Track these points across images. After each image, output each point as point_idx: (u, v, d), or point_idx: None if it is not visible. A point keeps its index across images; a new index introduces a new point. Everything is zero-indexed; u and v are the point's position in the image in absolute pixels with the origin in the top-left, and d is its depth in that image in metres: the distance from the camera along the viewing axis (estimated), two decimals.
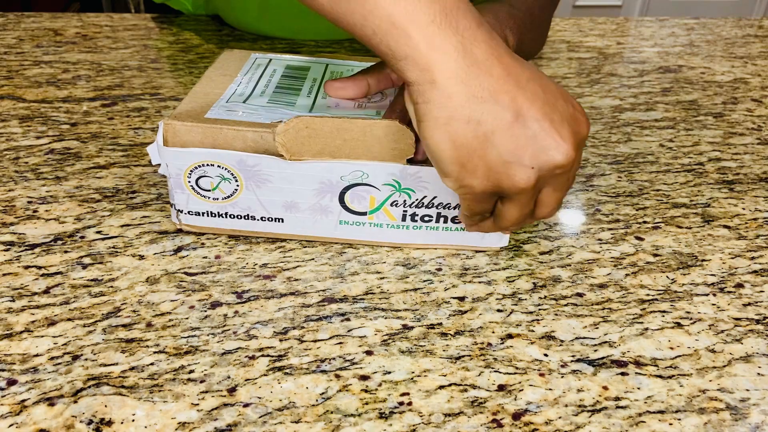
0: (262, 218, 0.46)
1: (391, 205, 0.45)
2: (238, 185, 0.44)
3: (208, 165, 0.43)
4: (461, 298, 0.43)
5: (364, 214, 0.45)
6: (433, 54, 0.33)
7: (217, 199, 0.45)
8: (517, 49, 0.54)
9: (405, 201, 0.44)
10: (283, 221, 0.46)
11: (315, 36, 0.88)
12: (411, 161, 0.43)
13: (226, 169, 0.43)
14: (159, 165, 0.44)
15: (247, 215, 0.46)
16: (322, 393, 0.35)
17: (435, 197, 0.44)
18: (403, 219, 0.46)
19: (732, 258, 0.49)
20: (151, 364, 0.37)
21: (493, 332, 0.40)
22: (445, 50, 0.33)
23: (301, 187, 0.44)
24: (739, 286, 0.46)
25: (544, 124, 0.35)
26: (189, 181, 0.44)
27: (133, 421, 0.33)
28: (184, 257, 0.46)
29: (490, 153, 0.35)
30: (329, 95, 0.47)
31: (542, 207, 0.40)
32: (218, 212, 0.46)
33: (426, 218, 0.45)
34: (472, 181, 0.37)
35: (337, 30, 0.86)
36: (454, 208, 0.45)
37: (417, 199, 0.44)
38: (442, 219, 0.45)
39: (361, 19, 0.34)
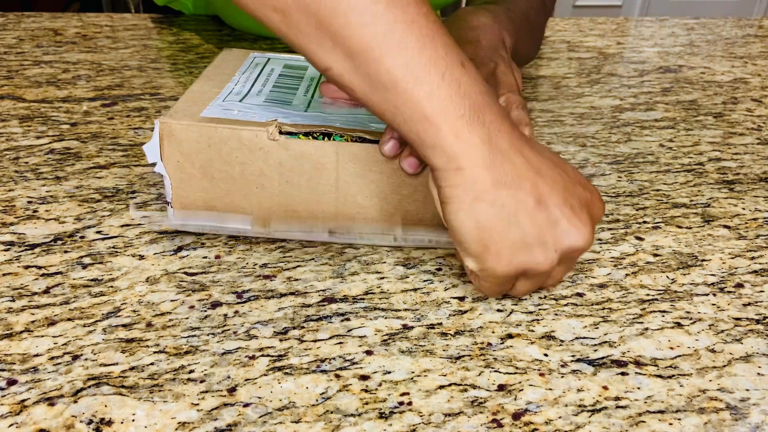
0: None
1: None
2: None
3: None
4: (461, 298, 0.43)
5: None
6: (461, 144, 0.35)
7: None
8: (513, 52, 0.54)
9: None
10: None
11: None
12: None
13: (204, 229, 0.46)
14: (155, 164, 0.44)
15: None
16: (322, 393, 0.35)
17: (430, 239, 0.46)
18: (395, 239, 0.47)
19: (732, 258, 0.49)
20: (151, 364, 0.37)
21: (493, 332, 0.40)
22: (473, 141, 0.35)
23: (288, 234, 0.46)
24: (739, 286, 0.46)
25: (565, 210, 0.37)
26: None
27: (133, 421, 0.33)
28: (184, 257, 0.46)
29: (514, 235, 0.36)
30: (325, 95, 0.47)
31: (550, 280, 0.41)
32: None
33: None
34: (494, 264, 0.37)
35: None
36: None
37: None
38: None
39: (393, 109, 0.35)
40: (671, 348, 0.40)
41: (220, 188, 0.44)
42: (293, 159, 0.43)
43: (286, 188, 0.44)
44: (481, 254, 0.37)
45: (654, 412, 0.35)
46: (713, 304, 0.44)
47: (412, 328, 0.40)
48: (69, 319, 0.40)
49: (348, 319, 0.41)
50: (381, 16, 0.33)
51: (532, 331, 0.41)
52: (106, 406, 0.34)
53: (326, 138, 0.43)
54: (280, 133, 0.42)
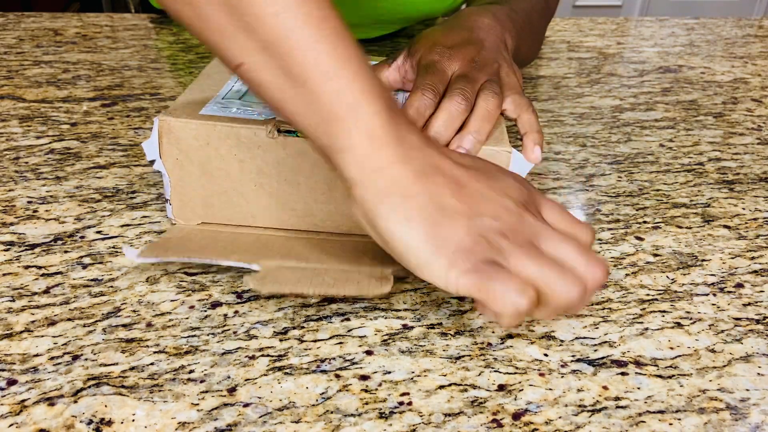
0: None
1: None
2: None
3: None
4: (461, 298, 0.43)
5: None
6: (375, 143, 0.34)
7: None
8: (515, 53, 0.54)
9: None
10: None
11: None
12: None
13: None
14: (154, 161, 0.44)
15: None
16: (322, 393, 0.35)
17: None
18: None
19: (732, 258, 0.49)
20: (151, 364, 0.37)
21: (493, 332, 0.40)
22: (386, 140, 0.34)
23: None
24: (739, 286, 0.46)
25: (484, 187, 0.36)
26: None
27: (133, 421, 0.33)
28: None
29: (455, 215, 0.34)
30: None
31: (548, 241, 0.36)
32: None
33: None
34: (453, 265, 0.33)
35: None
36: None
37: None
38: None
39: (304, 109, 0.34)
40: (671, 348, 0.40)
41: (219, 186, 0.44)
42: (291, 157, 0.43)
43: (284, 186, 0.44)
44: (434, 250, 0.33)
45: (654, 412, 0.35)
46: (713, 304, 0.44)
47: (412, 328, 0.40)
48: (69, 319, 0.40)
49: (348, 319, 0.41)
50: (295, 8, 0.33)
51: (532, 331, 0.41)
52: (106, 406, 0.34)
53: None
54: (279, 131, 0.43)
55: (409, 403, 0.35)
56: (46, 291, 0.42)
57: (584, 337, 0.40)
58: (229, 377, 0.36)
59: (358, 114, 0.33)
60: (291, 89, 0.34)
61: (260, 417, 0.34)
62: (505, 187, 0.37)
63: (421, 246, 0.34)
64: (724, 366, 0.39)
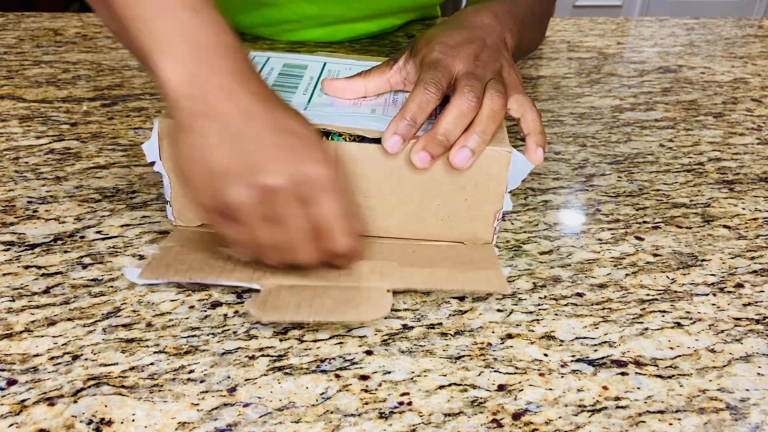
0: None
1: None
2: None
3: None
4: (461, 298, 0.43)
5: None
6: (168, 74, 0.36)
7: None
8: (517, 49, 0.54)
9: None
10: None
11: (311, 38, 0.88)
12: None
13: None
14: (154, 162, 0.44)
15: None
16: (322, 393, 0.35)
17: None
18: None
19: (732, 258, 0.49)
20: (151, 364, 0.37)
21: (493, 332, 0.40)
22: (177, 75, 0.36)
23: None
24: (739, 286, 0.46)
25: (264, 148, 0.36)
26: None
27: (133, 421, 0.33)
28: None
29: (209, 165, 0.36)
30: (326, 92, 0.47)
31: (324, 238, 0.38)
32: None
33: None
34: (198, 196, 0.37)
35: (333, 33, 0.86)
36: None
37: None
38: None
39: (134, 38, 0.37)
40: (671, 348, 0.40)
41: None
42: None
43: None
44: (187, 187, 0.37)
45: (654, 412, 0.35)
46: (713, 304, 0.44)
47: (412, 328, 0.40)
48: (69, 319, 0.40)
49: None
50: None
51: (532, 331, 0.41)
52: (106, 406, 0.34)
53: (325, 137, 0.43)
54: None
55: (409, 403, 0.35)
56: (46, 291, 0.42)
57: (584, 337, 0.40)
58: (229, 377, 0.36)
59: (162, 51, 0.36)
60: (127, 22, 0.37)
61: (260, 417, 0.34)
62: (280, 153, 0.36)
63: (181, 178, 0.38)
64: (724, 366, 0.39)
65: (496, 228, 0.46)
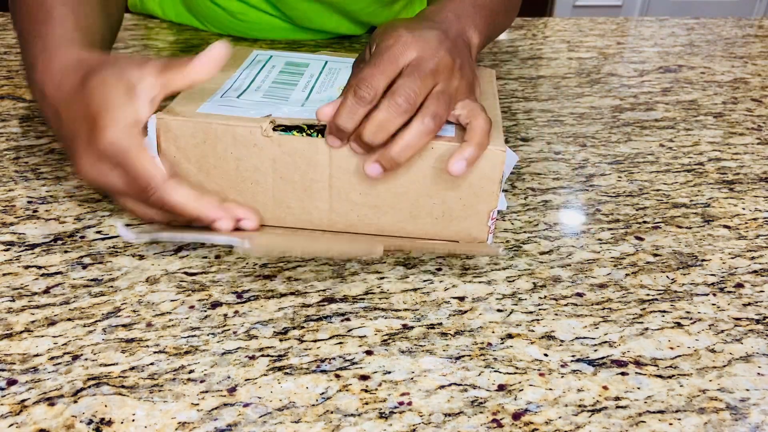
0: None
1: None
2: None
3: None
4: (461, 298, 0.43)
5: None
6: (41, 76, 0.46)
7: None
8: (485, 40, 0.53)
9: None
10: None
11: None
12: None
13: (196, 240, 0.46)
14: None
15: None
16: (322, 393, 0.35)
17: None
18: None
19: (732, 258, 0.49)
20: (151, 364, 0.37)
21: (493, 332, 0.40)
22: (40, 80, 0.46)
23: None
24: (739, 286, 0.46)
25: (71, 134, 0.44)
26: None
27: (133, 421, 0.33)
28: (184, 257, 0.46)
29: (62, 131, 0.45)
30: (321, 120, 0.43)
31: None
32: None
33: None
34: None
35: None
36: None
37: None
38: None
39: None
40: (671, 348, 0.40)
41: (216, 183, 0.44)
42: (287, 155, 0.43)
43: (280, 184, 0.44)
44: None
45: (654, 412, 0.35)
46: (713, 304, 0.44)
47: (412, 328, 0.40)
48: (69, 319, 0.40)
49: (348, 319, 0.41)
50: None
51: (532, 331, 0.41)
52: (106, 406, 0.34)
53: (320, 135, 0.43)
54: (274, 129, 0.43)
55: (409, 403, 0.35)
56: (46, 291, 0.42)
57: (584, 337, 0.40)
58: (229, 377, 0.36)
59: (31, 64, 0.48)
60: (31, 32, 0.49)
61: (260, 417, 0.34)
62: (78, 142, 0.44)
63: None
64: (724, 366, 0.39)
65: (491, 227, 0.46)
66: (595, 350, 0.39)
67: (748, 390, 0.37)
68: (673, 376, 0.38)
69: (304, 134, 0.43)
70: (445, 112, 0.42)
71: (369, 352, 0.38)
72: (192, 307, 0.41)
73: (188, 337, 0.39)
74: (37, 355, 0.37)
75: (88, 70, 0.44)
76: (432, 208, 0.45)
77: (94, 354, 0.37)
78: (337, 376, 0.37)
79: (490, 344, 0.39)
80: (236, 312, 0.41)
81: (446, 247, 0.45)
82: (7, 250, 0.45)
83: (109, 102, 0.42)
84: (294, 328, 0.40)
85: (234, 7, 0.85)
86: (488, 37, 0.55)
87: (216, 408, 0.34)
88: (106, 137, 0.41)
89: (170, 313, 0.41)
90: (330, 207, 0.45)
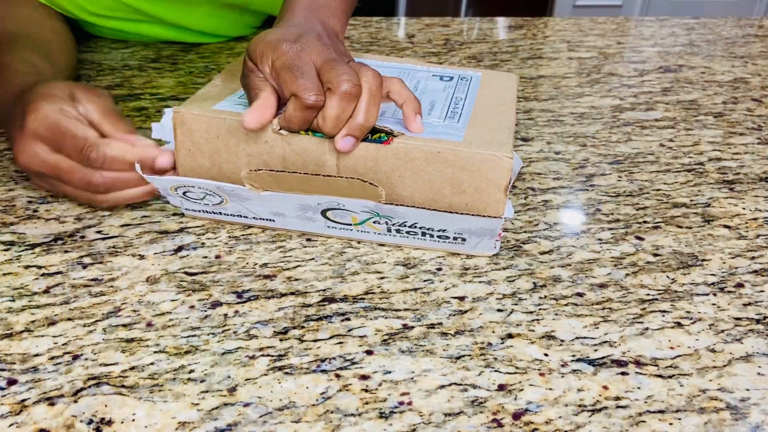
0: (254, 218, 0.48)
1: (374, 222, 0.46)
2: (222, 199, 0.46)
3: (189, 186, 0.45)
4: (461, 298, 0.43)
5: (350, 224, 0.46)
6: None
7: (207, 204, 0.47)
8: (345, 22, 0.54)
9: (387, 222, 0.45)
10: (274, 221, 0.48)
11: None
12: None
13: (206, 189, 0.45)
14: (158, 140, 0.47)
15: (240, 215, 0.48)
16: (322, 393, 0.35)
17: (416, 223, 0.45)
18: (389, 231, 0.46)
19: (732, 258, 0.49)
20: (151, 363, 0.37)
21: (493, 332, 0.40)
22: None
23: (282, 205, 0.46)
24: (739, 285, 0.46)
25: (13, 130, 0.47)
26: (177, 193, 0.47)
27: (133, 420, 0.33)
28: (184, 257, 0.46)
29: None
30: (246, 127, 0.43)
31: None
32: (212, 211, 0.48)
33: (411, 232, 0.46)
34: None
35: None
36: (438, 230, 0.45)
37: (398, 222, 0.45)
38: (427, 235, 0.46)
39: None
40: (671, 348, 0.40)
41: (228, 178, 0.45)
42: (296, 154, 0.43)
43: (288, 176, 0.44)
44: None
45: (654, 412, 0.35)
46: (713, 304, 0.44)
47: (412, 328, 0.40)
48: (69, 319, 0.40)
49: (348, 319, 0.41)
50: None
51: (532, 330, 0.41)
52: (106, 406, 0.34)
53: (311, 132, 0.43)
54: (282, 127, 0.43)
55: (409, 403, 0.35)
56: (46, 291, 0.42)
57: (584, 337, 0.40)
58: (229, 377, 0.36)
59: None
60: None
61: (260, 417, 0.34)
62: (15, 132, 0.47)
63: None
64: (724, 366, 0.39)
65: (497, 246, 0.46)
66: (596, 350, 0.39)
67: (748, 390, 0.37)
68: (674, 375, 0.38)
69: (312, 134, 0.43)
70: (379, 80, 0.43)
71: (369, 352, 0.38)
72: (192, 306, 0.41)
73: (188, 336, 0.39)
74: (37, 355, 0.37)
75: (34, 83, 0.50)
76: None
77: (94, 354, 0.37)
78: (338, 376, 0.37)
79: (490, 344, 0.39)
80: (236, 312, 0.41)
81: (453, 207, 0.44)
82: (7, 250, 0.45)
83: (45, 92, 0.46)
84: (294, 327, 0.40)
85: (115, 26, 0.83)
86: (347, 15, 0.56)
87: (216, 408, 0.34)
88: (39, 112, 0.44)
89: (170, 312, 0.41)
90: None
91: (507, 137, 0.44)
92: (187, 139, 0.44)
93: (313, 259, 0.46)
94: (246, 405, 0.34)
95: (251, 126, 0.42)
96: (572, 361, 0.38)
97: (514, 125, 0.47)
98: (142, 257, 0.45)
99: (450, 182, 0.43)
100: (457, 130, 0.44)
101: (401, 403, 0.35)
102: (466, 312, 0.42)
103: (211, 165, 0.44)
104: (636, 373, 0.38)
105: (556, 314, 0.42)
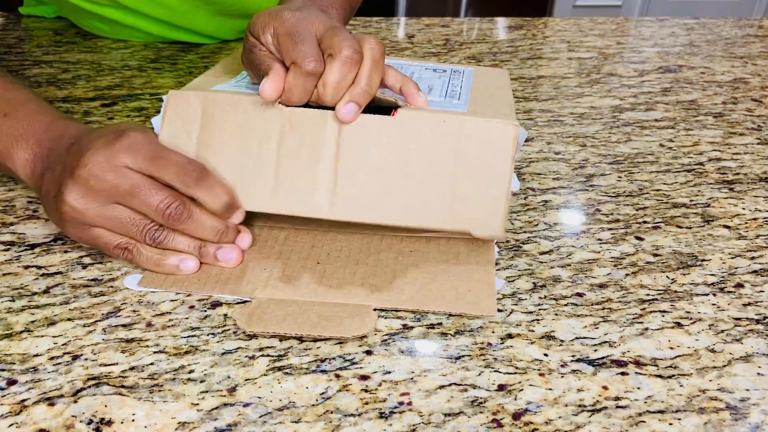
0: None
1: None
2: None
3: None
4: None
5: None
6: (13, 163, 0.46)
7: None
8: (346, 18, 0.54)
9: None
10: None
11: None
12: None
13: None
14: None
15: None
16: (322, 393, 0.35)
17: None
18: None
19: (732, 258, 0.49)
20: (151, 363, 0.37)
21: (493, 332, 0.40)
22: (20, 158, 0.45)
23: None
24: (739, 286, 0.46)
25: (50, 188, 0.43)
26: None
27: (133, 421, 0.33)
28: None
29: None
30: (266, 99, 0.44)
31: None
32: None
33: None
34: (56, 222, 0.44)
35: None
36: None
37: None
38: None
39: None
40: (671, 348, 0.40)
41: (219, 162, 0.44)
42: (295, 131, 0.42)
43: (284, 163, 0.44)
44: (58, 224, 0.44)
45: (654, 412, 0.35)
46: (713, 304, 0.44)
47: (412, 328, 0.40)
48: (69, 319, 0.40)
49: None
50: None
51: (532, 331, 0.41)
52: (106, 406, 0.34)
53: (329, 108, 0.43)
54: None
55: (409, 403, 0.35)
56: (46, 291, 0.42)
57: (584, 337, 0.40)
58: (229, 377, 0.36)
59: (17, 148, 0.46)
60: None
61: (260, 417, 0.34)
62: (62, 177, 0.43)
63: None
64: (724, 366, 0.39)
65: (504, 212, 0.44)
66: (595, 350, 0.39)
67: (748, 390, 0.37)
68: (673, 376, 0.38)
69: (311, 107, 0.43)
70: (382, 50, 0.43)
71: (369, 352, 0.38)
72: (192, 307, 0.41)
73: (188, 337, 0.39)
74: (37, 355, 0.37)
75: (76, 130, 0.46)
76: (443, 190, 0.43)
77: (94, 354, 0.37)
78: (337, 376, 0.37)
79: (490, 344, 0.39)
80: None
81: (445, 308, 0.42)
82: (7, 250, 0.45)
83: (107, 133, 0.43)
84: None
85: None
86: (347, 11, 0.56)
87: (216, 408, 0.34)
88: (124, 138, 0.41)
89: (170, 313, 0.41)
90: (334, 191, 0.44)
91: (510, 111, 0.44)
92: (179, 119, 0.44)
93: None
94: (246, 405, 0.34)
95: (270, 96, 0.41)
96: (572, 361, 0.38)
97: (513, 102, 0.47)
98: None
99: (455, 155, 0.42)
100: (460, 106, 0.44)
101: (401, 404, 0.35)
102: None
103: (205, 148, 0.44)
104: (636, 373, 0.38)
105: (556, 314, 0.42)
